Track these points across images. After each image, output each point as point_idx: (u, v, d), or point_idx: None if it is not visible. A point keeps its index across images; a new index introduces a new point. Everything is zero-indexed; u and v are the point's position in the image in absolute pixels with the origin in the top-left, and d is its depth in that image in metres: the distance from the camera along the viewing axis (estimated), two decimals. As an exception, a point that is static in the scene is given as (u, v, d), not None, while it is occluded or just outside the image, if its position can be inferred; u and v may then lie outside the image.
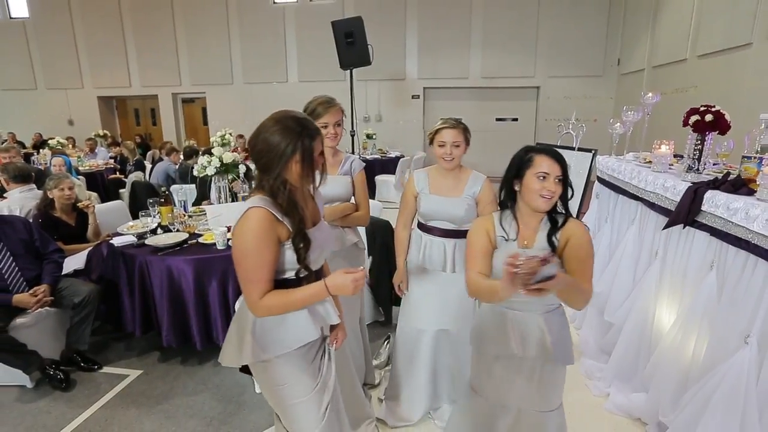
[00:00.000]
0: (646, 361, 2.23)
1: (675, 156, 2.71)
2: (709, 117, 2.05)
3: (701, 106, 2.13)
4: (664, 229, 2.16)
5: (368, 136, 8.45)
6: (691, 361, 1.93)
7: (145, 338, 2.97)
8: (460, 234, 2.01)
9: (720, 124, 2.07)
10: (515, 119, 10.16)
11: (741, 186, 1.85)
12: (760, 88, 5.19)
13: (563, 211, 1.46)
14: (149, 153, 9.05)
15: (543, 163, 1.39)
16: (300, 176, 1.27)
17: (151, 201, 3.31)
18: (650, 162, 2.70)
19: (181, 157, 6.51)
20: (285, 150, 1.22)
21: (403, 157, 7.94)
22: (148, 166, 7.29)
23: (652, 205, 2.37)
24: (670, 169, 2.50)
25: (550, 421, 1.53)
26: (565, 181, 1.40)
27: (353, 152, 7.67)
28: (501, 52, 9.60)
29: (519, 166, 1.44)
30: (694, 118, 2.11)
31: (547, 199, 1.38)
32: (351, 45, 6.94)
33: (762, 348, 1.59)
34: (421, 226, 2.12)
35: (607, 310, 2.66)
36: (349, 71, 7.44)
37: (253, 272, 1.23)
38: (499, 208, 1.55)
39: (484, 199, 2.01)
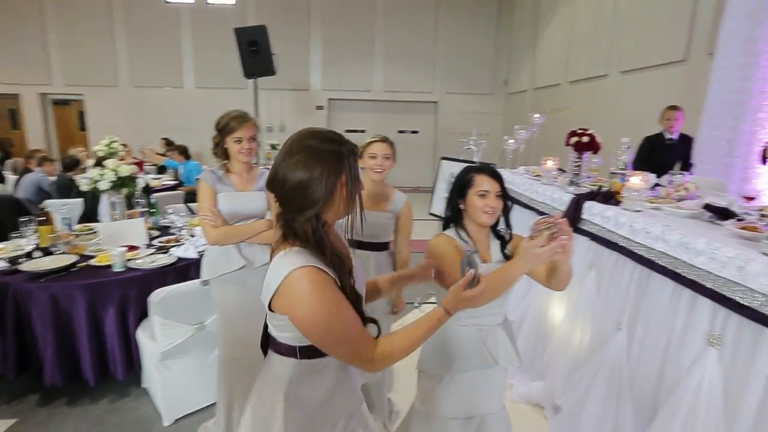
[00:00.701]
0: (542, 352, 2.51)
1: (558, 170, 3.10)
2: (585, 138, 2.40)
3: (579, 129, 2.48)
4: (552, 235, 2.46)
5: (273, 147, 8.27)
6: (578, 348, 2.22)
7: (18, 381, 2.49)
8: (382, 247, 2.09)
9: (593, 145, 2.43)
10: (416, 132, 10.68)
11: (610, 198, 2.20)
12: (615, 112, 6.13)
13: (506, 226, 1.60)
14: (9, 162, 7.81)
15: (483, 182, 1.51)
16: (345, 204, 1.05)
17: (25, 219, 2.90)
18: (539, 175, 3.06)
19: (59, 167, 5.77)
20: (331, 173, 1.00)
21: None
22: (10, 177, 6.32)
23: (542, 214, 2.69)
24: (555, 182, 2.86)
25: (505, 417, 1.67)
26: (504, 197, 1.54)
27: (257, 163, 7.44)
28: (402, 68, 10.07)
29: (462, 186, 1.55)
30: (574, 139, 2.45)
31: (489, 214, 1.51)
32: (255, 54, 6.76)
33: (630, 331, 1.90)
34: (358, 244, 2.09)
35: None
36: (253, 80, 7.24)
37: (346, 336, 1.02)
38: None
39: (405, 215, 2.12)
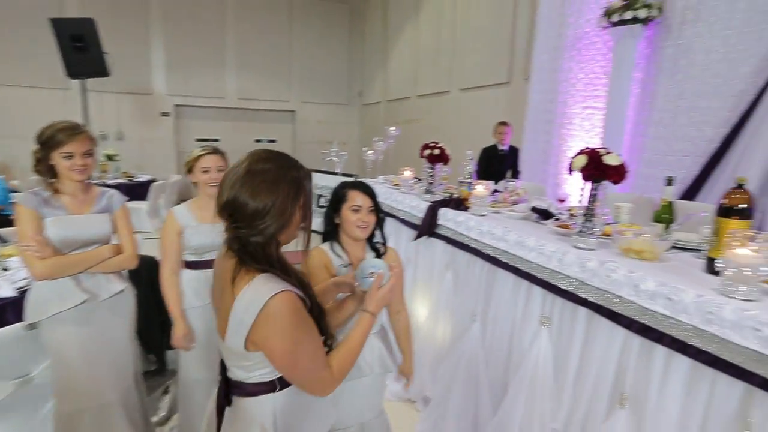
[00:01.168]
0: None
1: (415, 179, 3.36)
2: (436, 151, 2.67)
3: (431, 142, 2.74)
4: (414, 240, 2.68)
5: (109, 158, 7.24)
6: (441, 342, 2.45)
7: None
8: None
9: (443, 157, 2.71)
10: (273, 141, 10.46)
11: (460, 204, 2.48)
12: (459, 125, 6.88)
13: (381, 240, 1.67)
14: None
15: (356, 197, 1.57)
16: (297, 227, 1.05)
17: None
18: (398, 184, 3.28)
19: None
20: (293, 198, 1.00)
21: (156, 181, 7.13)
22: None
23: (404, 221, 2.89)
24: (412, 191, 3.10)
25: (384, 420, 1.72)
26: (377, 211, 1.60)
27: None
28: (257, 76, 9.77)
29: (336, 201, 1.60)
30: (427, 151, 2.70)
31: (363, 228, 1.57)
32: (81, 51, 5.86)
33: (483, 321, 2.17)
34: (195, 264, 1.98)
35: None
36: (80, 81, 6.26)
37: (315, 360, 1.02)
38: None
39: None
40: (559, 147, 4.78)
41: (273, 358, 1.00)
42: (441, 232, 2.48)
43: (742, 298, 1.21)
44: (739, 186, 1.40)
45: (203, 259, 1.97)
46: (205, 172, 1.94)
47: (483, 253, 2.13)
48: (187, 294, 1.98)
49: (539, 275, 1.81)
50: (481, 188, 2.36)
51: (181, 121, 9.55)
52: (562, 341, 1.76)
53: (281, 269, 1.00)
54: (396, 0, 8.76)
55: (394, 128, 3.61)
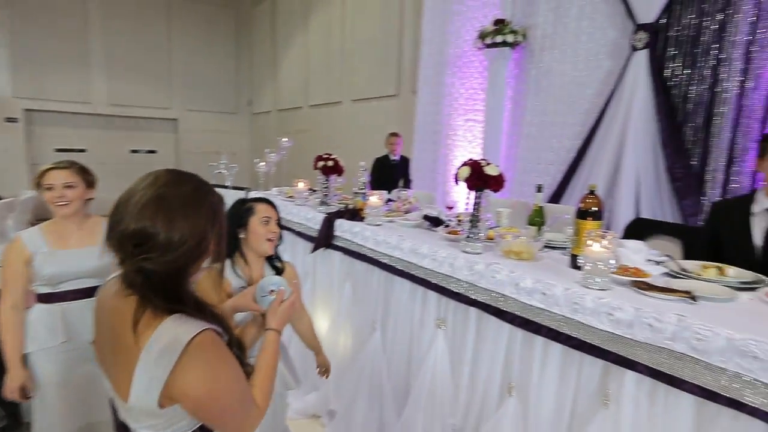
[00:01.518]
0: (313, 365, 2.65)
1: (310, 190, 3.33)
2: (330, 163, 2.68)
3: (324, 154, 2.74)
4: (311, 252, 2.64)
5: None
6: (344, 354, 2.45)
7: None
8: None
9: (337, 168, 2.73)
10: (153, 151, 9.61)
11: (356, 215, 2.52)
12: (352, 135, 6.99)
13: (278, 256, 1.63)
14: None
15: (265, 210, 1.56)
16: (206, 257, 0.94)
17: None
18: (292, 197, 3.22)
19: None
20: (211, 225, 0.89)
21: (2, 198, 6.06)
22: None
23: (300, 234, 2.84)
24: (307, 202, 3.07)
25: None
26: (280, 225, 1.59)
27: None
28: (131, 80, 8.88)
29: (241, 215, 1.54)
30: (321, 163, 2.70)
31: (272, 240, 1.55)
32: None
33: (383, 329, 2.22)
34: (48, 297, 1.72)
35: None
36: None
37: (243, 401, 0.92)
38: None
39: None
40: (446, 156, 5.11)
41: (197, 408, 0.88)
42: (338, 243, 2.49)
43: (598, 288, 1.40)
44: (591, 192, 1.63)
45: (59, 290, 1.72)
46: (49, 189, 1.68)
47: (380, 262, 2.19)
48: (38, 332, 1.70)
49: (433, 280, 1.90)
50: (375, 198, 2.42)
51: (33, 128, 8.30)
52: (456, 341, 1.87)
53: (194, 305, 0.89)
54: (284, 8, 8.65)
55: (286, 139, 3.55)
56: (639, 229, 2.84)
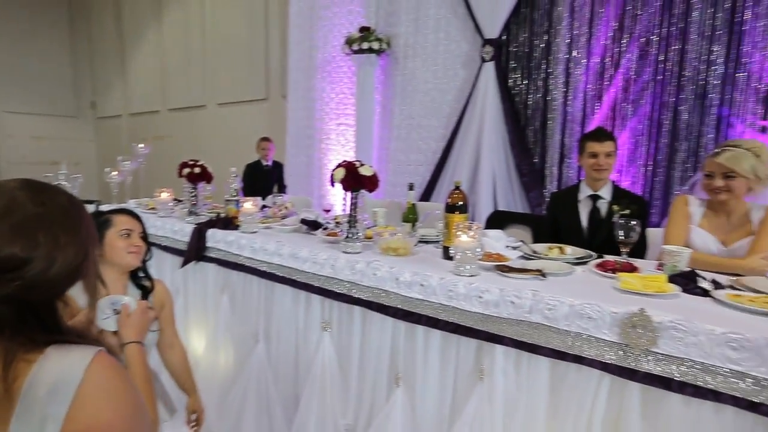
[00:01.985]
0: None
1: (175, 200, 3.05)
2: (197, 170, 2.49)
3: (190, 160, 2.54)
4: (181, 267, 2.42)
5: None
6: (225, 372, 2.29)
7: None
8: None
9: (205, 175, 2.55)
10: (-36, 163, 7.88)
11: (229, 223, 2.38)
12: (220, 140, 6.60)
13: (147, 273, 1.48)
14: None
15: (124, 221, 1.42)
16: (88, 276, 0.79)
17: None
18: (155, 208, 2.92)
19: None
20: (89, 242, 0.77)
21: None
22: None
23: (165, 248, 2.58)
24: (173, 213, 2.81)
25: None
26: (146, 238, 1.45)
27: None
28: None
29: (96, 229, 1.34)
30: (186, 170, 2.49)
31: (135, 253, 1.42)
32: None
33: (267, 340, 2.14)
34: None
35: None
36: None
37: (146, 420, 0.79)
38: None
39: None
40: (320, 161, 5.12)
41: None
42: (211, 254, 2.32)
43: (469, 274, 1.54)
44: (457, 188, 1.78)
45: None
46: None
47: (259, 270, 2.10)
48: None
49: (316, 284, 1.89)
50: (250, 205, 2.31)
51: None
52: (343, 341, 1.88)
53: (74, 332, 0.77)
54: None
55: (142, 145, 3.19)
56: (498, 220, 3.19)
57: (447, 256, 1.75)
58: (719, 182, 1.82)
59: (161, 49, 7.38)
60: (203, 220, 2.48)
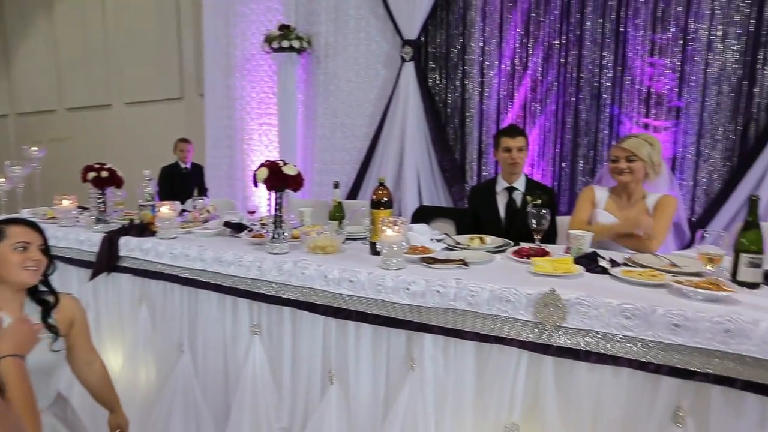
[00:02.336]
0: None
1: (79, 208, 2.78)
2: (104, 173, 2.30)
3: (96, 163, 2.34)
4: (90, 280, 2.23)
5: None
6: (147, 387, 2.15)
7: None
8: None
9: (114, 179, 2.36)
10: None
11: (145, 230, 2.23)
12: (130, 142, 6.12)
13: (51, 287, 1.36)
14: None
15: (20, 233, 1.29)
16: None
17: None
18: (55, 218, 2.65)
19: None
20: None
21: None
22: None
23: (70, 261, 2.36)
24: (78, 222, 2.57)
25: None
26: (48, 251, 1.34)
27: None
28: None
29: None
30: (92, 174, 2.29)
31: (33, 270, 1.29)
32: None
33: (192, 350, 2.04)
34: None
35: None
36: None
37: None
38: None
39: None
40: (243, 162, 4.94)
41: None
42: (125, 264, 2.16)
43: (396, 268, 1.59)
44: (381, 184, 1.82)
45: None
46: None
47: (180, 277, 2.00)
48: None
49: (242, 287, 1.83)
50: (167, 209, 2.18)
51: None
52: (274, 343, 1.85)
53: None
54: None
55: (36, 148, 2.88)
56: (423, 215, 3.30)
57: (374, 252, 1.79)
58: (623, 164, 2.11)
59: (54, 43, 6.66)
60: (114, 228, 2.30)
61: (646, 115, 3.20)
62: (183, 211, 2.79)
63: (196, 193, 4.52)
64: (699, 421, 1.21)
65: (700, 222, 3.05)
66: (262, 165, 1.84)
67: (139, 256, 2.11)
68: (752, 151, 2.91)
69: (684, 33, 3.04)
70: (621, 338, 1.25)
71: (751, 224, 1.43)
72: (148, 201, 2.47)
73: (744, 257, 1.42)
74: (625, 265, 1.64)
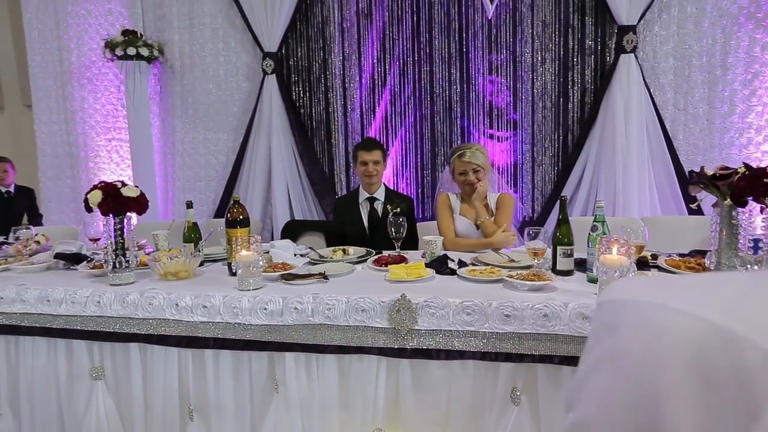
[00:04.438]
0: None
1: None
2: None
3: None
4: None
5: None
6: None
7: None
8: None
9: None
10: None
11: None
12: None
13: None
14: None
15: None
16: None
17: None
18: None
19: None
20: None
21: None
22: None
23: None
24: None
25: None
26: None
27: None
28: None
29: None
30: None
31: None
32: None
33: (14, 410, 1.72)
34: None
35: None
36: None
37: None
38: None
39: None
40: (90, 182, 4.35)
41: None
42: None
43: (253, 288, 1.53)
44: (236, 202, 1.75)
45: None
46: None
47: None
48: None
49: (77, 327, 1.61)
50: (-26, 244, 1.82)
51: None
52: (121, 385, 1.65)
53: None
54: None
55: None
56: (293, 229, 3.25)
57: (232, 273, 1.71)
58: (472, 177, 2.28)
59: None
60: None
61: (491, 127, 3.60)
62: (2, 244, 2.36)
63: (25, 220, 3.85)
64: (531, 398, 1.38)
65: (539, 220, 3.52)
66: (95, 187, 1.65)
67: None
68: (572, 156, 3.46)
69: (513, 55, 3.49)
70: (465, 333, 1.37)
71: (562, 221, 1.69)
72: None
73: (559, 249, 1.67)
74: (472, 264, 1.81)
